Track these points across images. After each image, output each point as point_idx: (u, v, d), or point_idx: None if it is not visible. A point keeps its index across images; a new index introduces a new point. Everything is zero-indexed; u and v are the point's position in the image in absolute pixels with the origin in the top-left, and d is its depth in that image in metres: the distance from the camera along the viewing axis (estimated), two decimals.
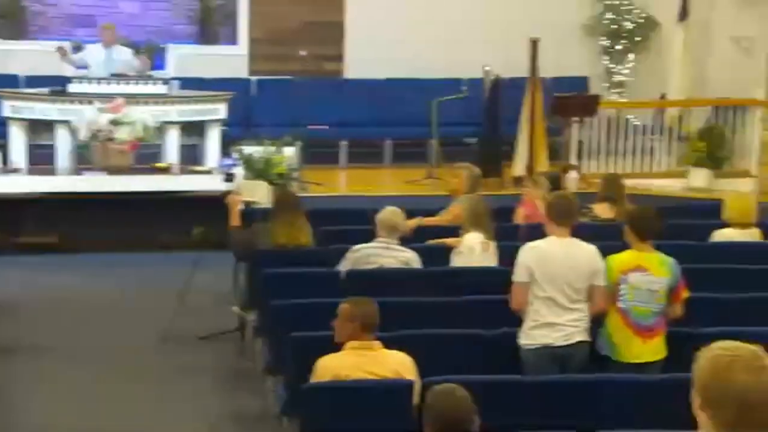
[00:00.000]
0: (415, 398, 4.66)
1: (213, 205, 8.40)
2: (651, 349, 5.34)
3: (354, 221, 8.33)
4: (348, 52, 13.45)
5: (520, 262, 5.37)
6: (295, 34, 13.18)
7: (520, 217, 7.97)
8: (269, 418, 5.99)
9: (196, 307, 7.92)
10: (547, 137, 11.44)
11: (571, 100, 11.33)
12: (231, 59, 13.46)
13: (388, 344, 4.96)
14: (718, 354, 2.59)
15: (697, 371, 2.61)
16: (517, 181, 10.98)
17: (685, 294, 5.43)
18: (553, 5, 12.91)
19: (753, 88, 11.61)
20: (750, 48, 12.10)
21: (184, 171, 10.34)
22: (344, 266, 6.57)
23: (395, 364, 4.80)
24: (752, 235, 7.44)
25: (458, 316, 5.97)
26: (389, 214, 6.67)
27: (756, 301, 6.06)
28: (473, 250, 6.65)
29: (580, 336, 5.32)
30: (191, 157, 10.92)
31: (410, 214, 7.32)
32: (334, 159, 12.68)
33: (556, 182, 9.47)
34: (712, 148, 11.31)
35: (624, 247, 5.58)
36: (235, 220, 7.37)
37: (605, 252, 5.52)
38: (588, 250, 5.39)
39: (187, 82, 12.17)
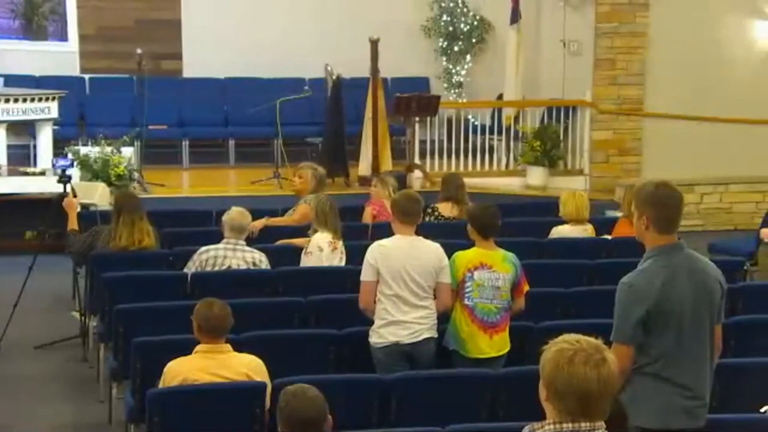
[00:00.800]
0: (267, 400, 4.63)
1: (47, 207, 8.07)
2: (496, 345, 5.48)
3: (198, 222, 8.20)
4: (186, 50, 13.20)
5: (366, 260, 5.43)
6: (129, 32, 12.84)
7: (368, 216, 8.05)
8: (115, 426, 5.83)
9: (32, 314, 7.60)
10: (390, 137, 11.59)
11: (412, 100, 11.50)
12: (61, 56, 12.97)
13: (238, 346, 4.91)
14: (562, 347, 2.71)
15: (543, 364, 2.73)
16: (363, 180, 11.08)
17: (526, 288, 5.61)
18: (392, 6, 13.07)
19: (582, 90, 12.13)
20: (578, 51, 12.61)
21: (13, 173, 9.90)
22: (191, 268, 6.46)
23: (244, 366, 4.76)
24: (586, 231, 7.79)
25: (308, 316, 5.99)
26: (236, 214, 6.61)
27: (593, 294, 6.33)
28: (322, 250, 6.66)
29: (428, 333, 5.41)
30: (22, 158, 10.47)
31: (256, 215, 7.28)
32: (175, 159, 12.43)
33: (402, 182, 9.60)
34: (547, 148, 11.74)
35: (469, 244, 5.71)
36: (72, 223, 7.11)
37: (450, 249, 5.63)
38: (432, 248, 5.49)
39: (15, 80, 11.63)
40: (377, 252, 5.42)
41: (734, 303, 6.09)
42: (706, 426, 4.01)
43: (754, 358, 5.23)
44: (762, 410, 4.43)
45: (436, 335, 5.46)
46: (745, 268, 7.98)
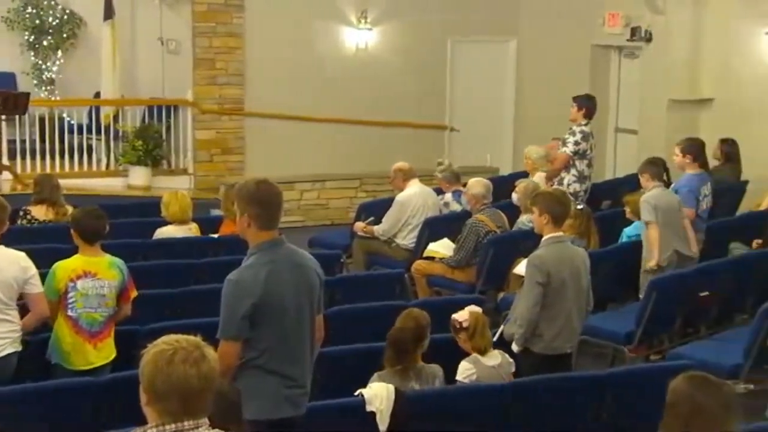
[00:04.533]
0: None
1: None
2: (102, 353, 5.30)
3: None
4: None
5: None
6: None
7: None
8: None
9: None
10: None
11: None
12: None
13: None
14: (161, 349, 2.69)
15: (142, 368, 2.69)
16: None
17: (133, 294, 5.46)
18: None
19: (183, 89, 12.09)
20: (176, 50, 12.54)
21: None
22: None
23: None
24: (191, 230, 7.76)
25: None
26: None
27: (200, 293, 6.32)
28: None
29: (11, 348, 5.09)
30: None
31: None
32: None
33: None
34: (149, 147, 11.55)
35: (69, 249, 5.44)
36: None
37: (48, 254, 5.33)
38: (12, 258, 5.13)
39: None
40: None
41: (333, 294, 6.39)
42: (306, 413, 4.16)
43: (354, 345, 5.52)
44: (356, 393, 4.69)
45: (20, 348, 5.14)
46: (341, 260, 8.43)
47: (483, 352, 5.27)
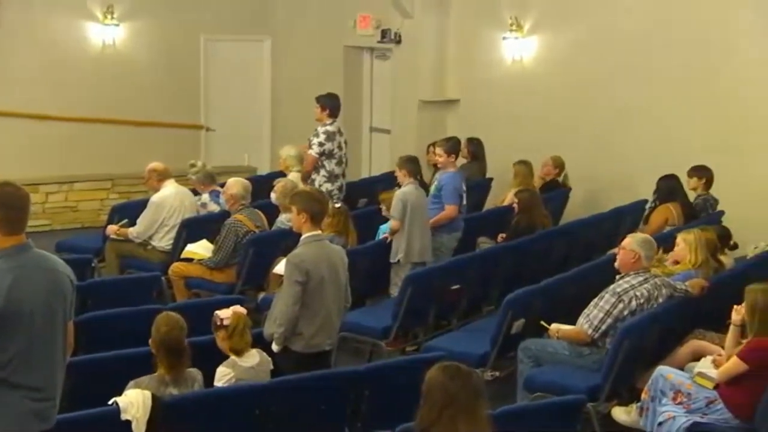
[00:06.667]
0: None
1: None
2: None
3: None
4: None
5: None
6: None
7: None
8: None
9: None
10: None
11: None
12: None
13: None
14: None
15: None
16: None
17: None
18: None
19: None
20: None
21: None
22: None
23: None
24: None
25: None
26: None
27: None
28: None
29: None
30: None
31: None
32: None
33: None
34: None
35: None
36: None
37: None
38: None
39: None
40: None
41: (84, 299, 6.13)
42: (56, 426, 3.96)
43: (107, 353, 5.31)
44: (110, 402, 4.53)
45: None
46: (93, 264, 8.11)
47: (240, 353, 5.23)
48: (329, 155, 9.16)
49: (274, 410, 4.89)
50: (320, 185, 9.03)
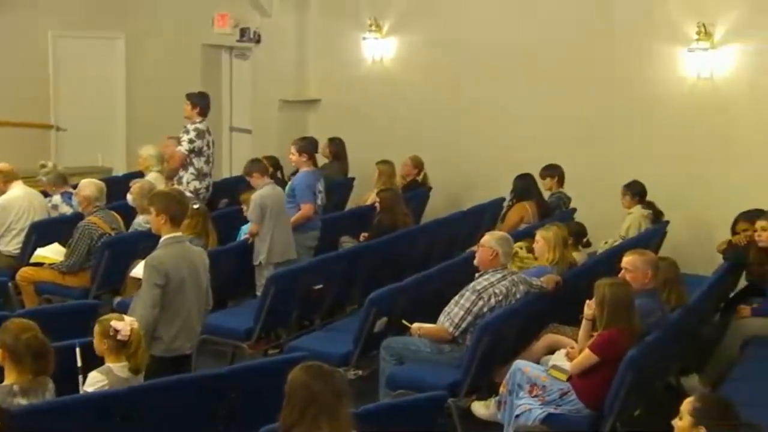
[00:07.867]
0: None
1: None
2: None
3: None
4: None
5: None
6: None
7: None
8: None
9: None
10: None
11: None
12: None
13: None
14: None
15: None
16: None
17: None
18: None
19: None
20: None
21: None
22: None
23: None
24: None
25: None
26: None
27: None
28: None
29: None
30: None
31: None
32: None
33: None
34: None
35: None
36: None
37: None
38: None
39: None
40: None
41: None
42: None
43: None
44: None
45: None
46: None
47: (138, 372, 4.96)
48: (198, 153, 9.05)
49: (136, 416, 4.74)
50: (188, 183, 8.94)
